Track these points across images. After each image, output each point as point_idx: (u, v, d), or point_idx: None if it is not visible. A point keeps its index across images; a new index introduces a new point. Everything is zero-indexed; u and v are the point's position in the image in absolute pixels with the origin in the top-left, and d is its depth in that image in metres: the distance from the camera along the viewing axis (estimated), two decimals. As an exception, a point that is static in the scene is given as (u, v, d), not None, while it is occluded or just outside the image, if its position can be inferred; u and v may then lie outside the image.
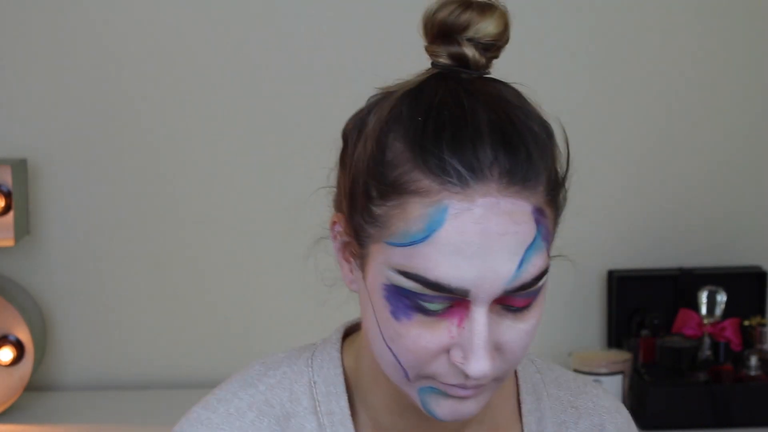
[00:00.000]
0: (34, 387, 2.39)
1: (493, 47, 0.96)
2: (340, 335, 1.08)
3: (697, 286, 2.37)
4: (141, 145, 2.43)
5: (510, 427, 1.09)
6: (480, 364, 0.90)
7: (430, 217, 0.89)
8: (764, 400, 2.24)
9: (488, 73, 0.98)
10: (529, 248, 0.92)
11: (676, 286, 2.45)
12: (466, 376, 0.92)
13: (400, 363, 0.94)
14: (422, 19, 0.96)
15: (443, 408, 0.95)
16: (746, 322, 2.34)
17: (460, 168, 0.89)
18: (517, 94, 0.97)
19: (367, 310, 0.96)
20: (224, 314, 2.47)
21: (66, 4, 2.38)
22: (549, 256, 0.96)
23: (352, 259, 0.97)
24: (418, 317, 0.91)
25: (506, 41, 0.97)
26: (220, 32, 2.41)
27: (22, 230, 2.33)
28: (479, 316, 0.90)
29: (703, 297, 2.34)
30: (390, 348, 0.93)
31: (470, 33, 0.95)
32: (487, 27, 0.95)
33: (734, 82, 2.50)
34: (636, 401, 2.26)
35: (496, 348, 0.93)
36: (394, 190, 0.91)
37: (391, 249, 0.91)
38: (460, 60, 0.96)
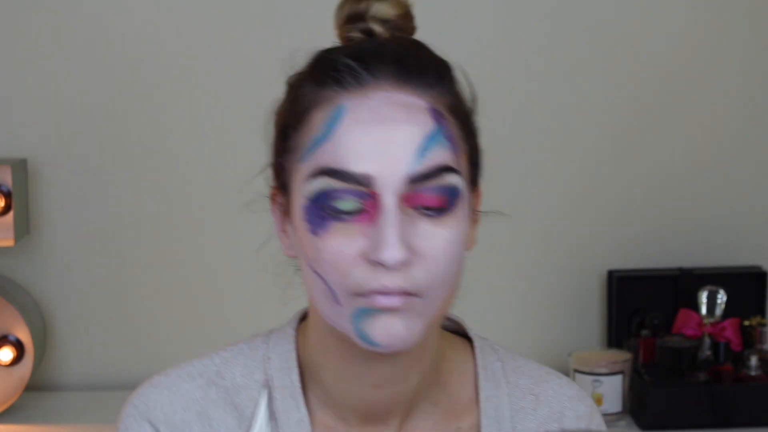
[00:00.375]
0: (34, 387, 2.39)
1: (396, 28, 1.04)
2: (297, 317, 1.13)
3: (697, 286, 2.37)
4: (141, 145, 2.43)
5: (467, 412, 1.11)
6: (390, 249, 0.94)
7: (329, 117, 0.97)
8: (764, 400, 2.24)
9: None
10: (429, 139, 0.97)
11: (676, 286, 2.45)
12: (384, 268, 0.94)
13: (327, 284, 0.97)
14: (334, 17, 1.05)
15: (377, 330, 0.97)
16: (746, 322, 2.34)
17: (352, 63, 0.97)
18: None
19: (300, 259, 1.01)
20: (225, 314, 2.47)
21: (66, 4, 2.38)
22: (459, 167, 0.99)
23: (286, 219, 1.03)
24: (334, 225, 0.96)
25: (409, 26, 1.04)
26: (222, 33, 2.41)
27: (22, 230, 2.33)
28: (388, 205, 0.95)
29: (703, 297, 2.34)
30: (317, 272, 0.98)
31: (371, 14, 1.03)
32: (381, 9, 1.03)
33: (735, 81, 2.49)
34: (636, 401, 2.26)
35: (414, 253, 0.95)
36: (301, 114, 0.99)
37: (302, 165, 0.98)
38: (369, 34, 1.03)
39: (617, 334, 2.44)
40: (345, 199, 0.96)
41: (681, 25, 2.48)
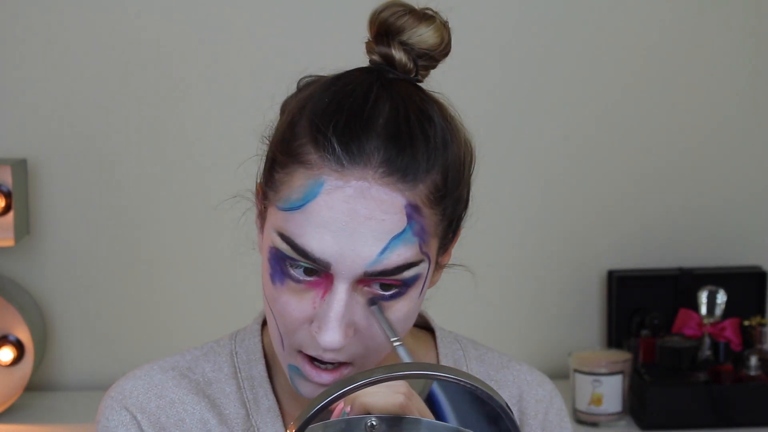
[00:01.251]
0: (34, 387, 2.39)
1: (426, 56, 1.03)
2: (263, 313, 1.15)
3: (697, 286, 2.37)
4: (141, 145, 2.43)
5: None
6: (329, 335, 0.96)
7: (308, 188, 0.97)
8: (764, 400, 2.24)
9: (418, 80, 1.04)
10: (396, 238, 0.96)
11: (676, 286, 2.45)
12: (322, 348, 0.97)
13: (277, 327, 1.00)
14: (369, 16, 1.02)
15: (305, 390, 1.01)
16: (746, 322, 2.34)
17: (343, 148, 0.96)
18: (437, 106, 1.03)
19: (262, 272, 1.03)
20: (227, 314, 2.47)
21: (66, 4, 2.38)
22: (425, 254, 0.99)
23: (261, 221, 1.05)
24: (289, 284, 0.98)
25: (444, 54, 1.04)
26: (222, 33, 2.41)
27: (22, 230, 2.33)
28: (339, 290, 0.96)
29: (703, 297, 2.34)
30: (271, 310, 1.01)
31: (404, 37, 1.02)
32: (421, 35, 1.02)
33: (735, 81, 2.49)
34: (636, 401, 2.26)
35: (355, 329, 0.98)
36: (289, 158, 0.99)
37: (277, 213, 0.99)
38: (388, 60, 1.02)
39: (617, 334, 2.44)
40: (300, 269, 0.98)
41: (682, 23, 2.48)
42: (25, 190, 2.35)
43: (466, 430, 0.88)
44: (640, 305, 2.44)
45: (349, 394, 0.82)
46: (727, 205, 2.52)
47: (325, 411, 0.82)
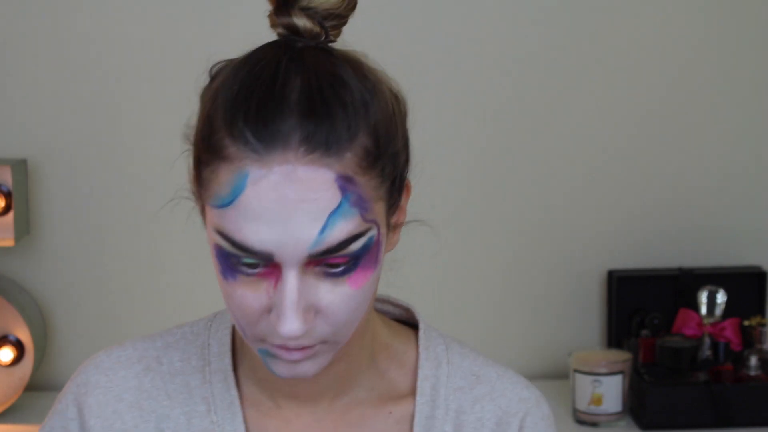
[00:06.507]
0: (34, 387, 2.39)
1: (332, 16, 0.99)
2: None
3: (697, 286, 2.37)
4: (141, 145, 2.43)
5: (405, 398, 1.11)
6: (287, 324, 0.94)
7: (233, 183, 0.94)
8: (764, 400, 2.24)
9: (330, 41, 1.00)
10: (333, 214, 0.93)
11: (676, 286, 2.45)
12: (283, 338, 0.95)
13: (239, 320, 0.98)
14: None
15: (280, 368, 0.99)
16: (746, 322, 2.34)
17: (258, 136, 0.93)
18: (351, 66, 0.98)
19: (215, 269, 1.02)
20: (224, 314, 2.47)
21: (66, 4, 2.38)
22: (371, 222, 0.96)
23: (204, 222, 1.03)
24: (241, 277, 0.96)
25: (350, 8, 0.99)
26: (221, 34, 2.41)
27: (22, 230, 2.33)
28: (289, 278, 0.94)
29: (703, 297, 2.34)
30: (228, 306, 0.99)
31: (304, 2, 0.98)
32: None
33: (734, 82, 2.49)
34: (636, 401, 2.26)
35: (316, 311, 0.96)
36: (211, 155, 0.96)
37: (212, 210, 0.96)
38: (293, 30, 0.98)
39: (617, 334, 2.44)
40: (248, 261, 0.95)
41: (678, 25, 2.48)
42: (25, 190, 2.35)
43: None
44: (640, 305, 2.44)
45: None
46: (727, 205, 2.52)
47: None
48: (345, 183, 0.93)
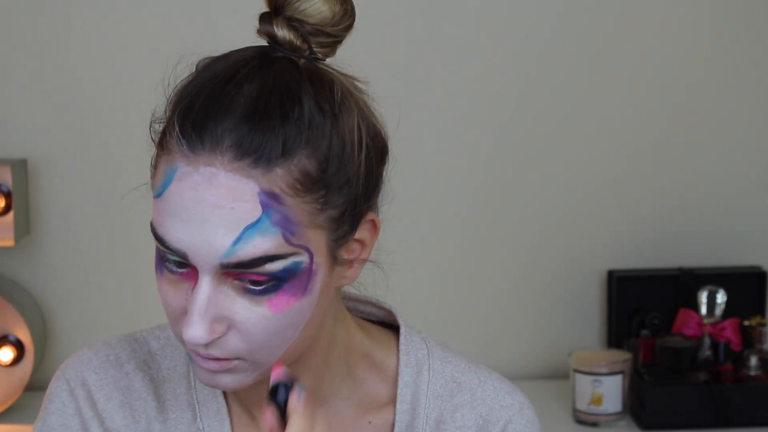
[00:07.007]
0: (34, 387, 2.39)
1: (319, 32, 0.96)
2: None
3: (697, 286, 2.37)
4: (142, 145, 2.42)
5: (386, 407, 1.09)
6: (190, 330, 0.92)
7: (165, 175, 0.94)
8: (764, 400, 2.24)
9: (316, 57, 0.96)
10: (251, 227, 0.91)
11: (676, 286, 2.45)
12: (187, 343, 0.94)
13: (167, 318, 0.98)
14: None
15: (200, 374, 0.98)
16: (746, 322, 2.34)
17: (193, 133, 0.91)
18: (314, 87, 0.94)
19: None
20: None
21: (66, 4, 2.38)
22: (298, 247, 0.93)
23: None
24: (167, 274, 0.95)
25: (341, 27, 0.96)
26: (226, 37, 2.40)
27: (22, 230, 2.33)
28: (201, 284, 0.92)
29: (703, 297, 2.34)
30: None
31: (288, 12, 0.96)
32: (305, 9, 0.96)
33: (735, 83, 2.49)
34: (636, 401, 2.26)
35: (231, 324, 0.93)
36: (159, 144, 0.97)
37: (153, 201, 0.96)
38: (274, 39, 0.97)
39: (617, 334, 2.44)
40: (172, 258, 0.94)
41: (678, 28, 2.48)
42: (25, 190, 2.35)
43: None
44: (640, 305, 2.44)
45: None
46: (727, 205, 2.52)
47: None
48: (269, 199, 0.91)
